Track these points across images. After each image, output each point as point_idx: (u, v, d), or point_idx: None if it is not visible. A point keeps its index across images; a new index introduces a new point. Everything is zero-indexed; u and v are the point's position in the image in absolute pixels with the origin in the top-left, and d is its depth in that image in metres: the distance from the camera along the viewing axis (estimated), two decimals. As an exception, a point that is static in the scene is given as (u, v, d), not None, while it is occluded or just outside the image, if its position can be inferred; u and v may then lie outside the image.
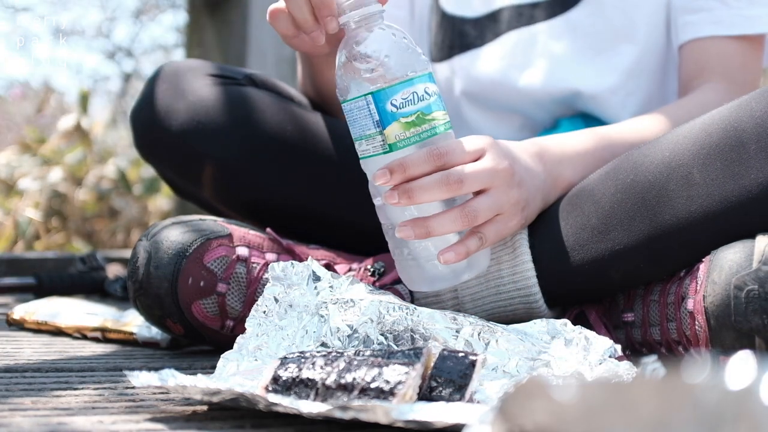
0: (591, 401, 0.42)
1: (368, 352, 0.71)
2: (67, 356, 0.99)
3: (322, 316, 0.84)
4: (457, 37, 1.21)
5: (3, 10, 3.77)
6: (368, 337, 0.83)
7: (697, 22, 1.11)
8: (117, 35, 4.66)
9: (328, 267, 0.99)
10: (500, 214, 0.86)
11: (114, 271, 1.65)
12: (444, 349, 0.71)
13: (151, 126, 1.06)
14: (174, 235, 0.95)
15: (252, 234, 0.99)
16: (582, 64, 1.15)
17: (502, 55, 1.18)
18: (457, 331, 0.82)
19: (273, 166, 1.04)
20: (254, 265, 0.96)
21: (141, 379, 0.70)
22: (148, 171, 2.61)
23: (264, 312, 0.83)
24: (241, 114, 1.05)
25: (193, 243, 0.94)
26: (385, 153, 0.83)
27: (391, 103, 0.82)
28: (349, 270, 1.00)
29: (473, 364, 0.69)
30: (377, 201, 0.87)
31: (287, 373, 0.68)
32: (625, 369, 0.76)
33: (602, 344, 0.79)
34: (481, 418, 0.47)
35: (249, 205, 1.06)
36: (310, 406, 0.64)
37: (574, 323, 0.86)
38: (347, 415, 0.63)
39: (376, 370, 0.66)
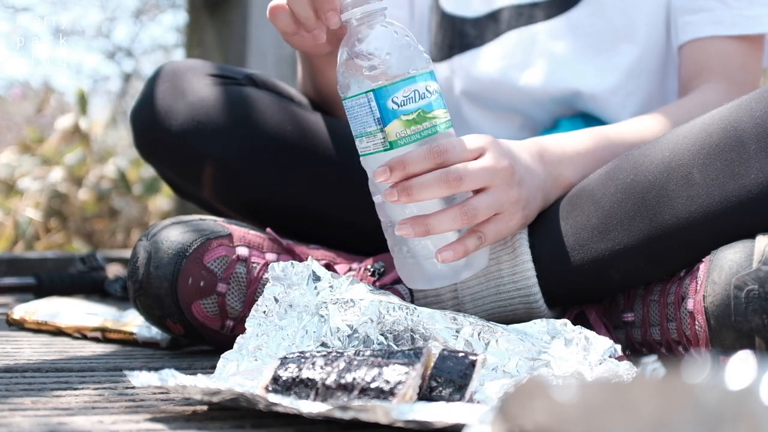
0: (591, 401, 0.42)
1: (368, 352, 0.71)
2: (67, 356, 0.99)
3: (322, 316, 0.84)
4: (457, 36, 1.21)
5: (3, 10, 3.77)
6: (368, 337, 0.83)
7: (697, 22, 1.11)
8: (117, 35, 4.66)
9: (328, 267, 0.99)
10: (500, 213, 0.86)
11: (114, 271, 1.65)
12: (444, 349, 0.71)
13: (151, 126, 1.06)
14: (174, 235, 0.95)
15: (252, 234, 0.99)
16: (582, 64, 1.15)
17: (502, 54, 1.18)
18: (457, 331, 0.82)
19: (273, 166, 1.04)
20: (254, 265, 0.96)
21: (141, 379, 0.70)
22: (148, 171, 2.62)
23: (264, 312, 0.83)
24: (241, 114, 1.05)
25: (193, 243, 0.94)
26: (385, 150, 0.83)
27: (393, 101, 0.82)
28: (349, 270, 1.00)
29: (473, 364, 0.69)
30: (377, 198, 0.87)
31: (287, 373, 0.68)
32: (625, 369, 0.76)
33: (602, 344, 0.79)
34: (481, 418, 0.47)
35: (249, 205, 1.06)
36: (310, 406, 0.64)
37: (574, 323, 0.86)
38: (347, 415, 0.63)
39: (376, 370, 0.66)
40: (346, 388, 0.66)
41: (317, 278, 0.86)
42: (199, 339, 0.98)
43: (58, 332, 1.13)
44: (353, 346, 0.83)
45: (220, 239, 0.96)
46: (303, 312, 0.84)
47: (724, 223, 0.86)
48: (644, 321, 0.91)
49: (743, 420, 0.39)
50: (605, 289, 0.94)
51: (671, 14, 1.15)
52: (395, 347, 0.82)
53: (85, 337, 1.11)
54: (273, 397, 0.66)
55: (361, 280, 0.92)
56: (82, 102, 2.63)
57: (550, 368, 0.79)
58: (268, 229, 1.01)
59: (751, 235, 0.84)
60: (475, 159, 0.85)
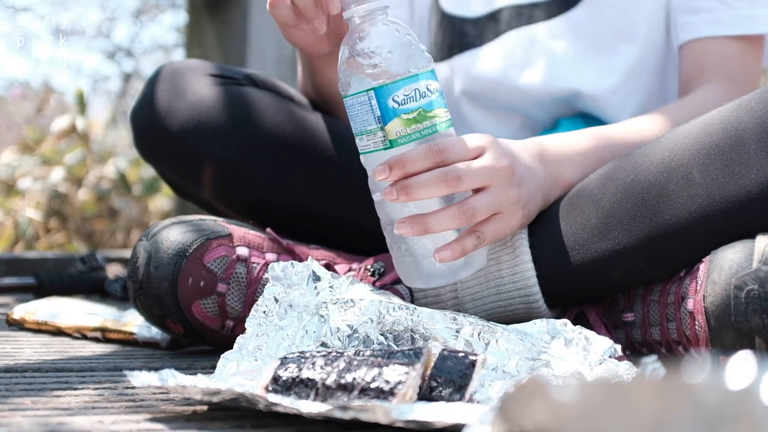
0: (591, 401, 0.42)
1: (368, 352, 0.71)
2: (67, 356, 0.99)
3: (322, 316, 0.84)
4: (457, 36, 1.21)
5: (3, 10, 3.77)
6: (368, 337, 0.83)
7: (697, 22, 1.11)
8: (117, 35, 4.66)
9: (328, 267, 0.99)
10: (499, 212, 0.86)
11: (114, 271, 1.65)
12: (444, 349, 0.71)
13: (151, 126, 1.06)
14: (174, 235, 0.95)
15: (252, 234, 0.99)
16: (582, 63, 1.15)
17: (502, 54, 1.18)
18: (457, 331, 0.82)
19: (273, 166, 1.04)
20: (254, 265, 0.96)
21: (141, 379, 0.70)
22: (148, 171, 2.62)
23: (264, 312, 0.83)
24: (241, 114, 1.05)
25: (193, 243, 0.94)
26: (385, 149, 0.83)
27: (393, 99, 0.82)
28: (349, 270, 1.00)
29: (473, 364, 0.69)
30: (376, 197, 0.87)
31: (287, 373, 0.68)
32: (625, 369, 0.76)
33: (602, 344, 0.79)
34: (481, 418, 0.47)
35: (249, 205, 1.06)
36: (310, 406, 0.64)
37: (574, 323, 0.86)
38: (347, 415, 0.63)
39: (376, 370, 0.66)
40: (346, 388, 0.66)
41: (317, 278, 0.86)
42: (199, 339, 0.98)
43: (58, 332, 1.13)
44: (353, 346, 0.83)
45: (220, 239, 0.96)
46: (303, 312, 0.84)
47: (724, 223, 0.86)
48: (644, 321, 0.91)
49: (743, 420, 0.39)
50: (605, 289, 0.94)
51: (671, 14, 1.15)
52: (395, 347, 0.82)
53: (85, 337, 1.11)
54: (273, 397, 0.66)
55: (361, 280, 0.92)
56: (81, 102, 2.63)
57: (550, 368, 0.79)
58: (268, 229, 1.01)
59: (751, 235, 0.84)
60: (475, 158, 0.85)
